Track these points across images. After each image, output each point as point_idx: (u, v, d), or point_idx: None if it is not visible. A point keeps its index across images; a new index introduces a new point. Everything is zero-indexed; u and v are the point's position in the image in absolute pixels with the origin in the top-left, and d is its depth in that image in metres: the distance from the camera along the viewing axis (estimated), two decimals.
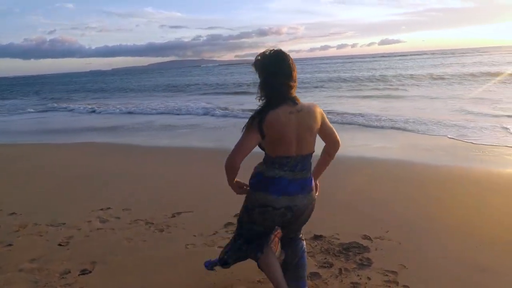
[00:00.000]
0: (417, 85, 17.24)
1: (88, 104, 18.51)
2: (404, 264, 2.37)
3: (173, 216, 3.45)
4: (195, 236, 3.00)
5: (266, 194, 1.78)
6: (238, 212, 3.51)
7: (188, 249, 2.79)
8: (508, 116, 8.15)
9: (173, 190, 4.24)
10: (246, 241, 1.95)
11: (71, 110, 16.57)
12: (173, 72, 70.46)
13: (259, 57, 1.74)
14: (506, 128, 6.71)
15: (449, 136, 6.41)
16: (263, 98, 1.70)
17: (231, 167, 1.74)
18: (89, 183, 4.68)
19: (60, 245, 2.94)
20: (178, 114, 12.51)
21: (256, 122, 1.66)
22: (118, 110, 14.92)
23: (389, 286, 2.17)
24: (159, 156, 6.33)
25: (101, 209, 3.68)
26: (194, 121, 10.70)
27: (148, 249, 2.80)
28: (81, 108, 16.70)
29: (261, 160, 1.85)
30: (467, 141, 6.02)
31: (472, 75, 19.59)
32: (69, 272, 2.50)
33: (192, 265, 2.53)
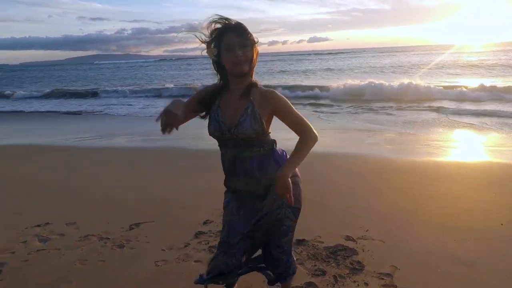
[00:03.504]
0: None
1: None
2: (395, 264, 2.33)
3: (131, 228, 3.00)
4: (163, 250, 2.62)
5: None
6: (208, 219, 3.20)
7: (160, 266, 2.41)
8: None
9: (124, 197, 3.72)
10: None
11: None
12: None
13: None
14: None
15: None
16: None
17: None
18: (11, 194, 3.90)
19: None
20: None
21: None
22: None
23: None
24: (92, 158, 5.61)
25: (38, 225, 3.06)
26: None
27: (110, 272, 2.35)
28: None
29: None
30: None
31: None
32: None
33: (168, 286, 2.18)
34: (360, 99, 11.88)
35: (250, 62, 1.49)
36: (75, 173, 4.69)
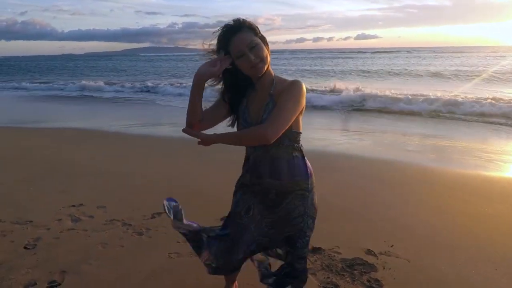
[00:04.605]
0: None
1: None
2: None
3: (153, 217, 3.10)
4: (178, 242, 2.67)
5: None
6: (225, 215, 3.22)
7: (172, 258, 2.47)
8: None
9: (154, 186, 3.86)
10: None
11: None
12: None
13: None
14: None
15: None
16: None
17: None
18: (59, 175, 4.23)
19: (26, 248, 2.55)
20: None
21: None
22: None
23: None
24: (139, 145, 5.87)
25: (73, 206, 3.29)
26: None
27: (126, 258, 2.46)
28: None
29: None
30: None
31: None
32: (35, 284, 2.14)
33: (177, 279, 2.22)
34: None
35: (265, 60, 1.43)
36: (118, 159, 4.96)
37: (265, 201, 1.57)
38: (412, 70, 22.10)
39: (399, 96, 10.51)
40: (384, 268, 2.33)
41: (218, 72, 1.44)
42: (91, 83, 17.43)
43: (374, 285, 2.15)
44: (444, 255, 2.54)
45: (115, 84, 17.75)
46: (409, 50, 69.02)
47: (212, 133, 1.46)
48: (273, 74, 1.51)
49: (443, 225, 3.00)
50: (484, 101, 9.37)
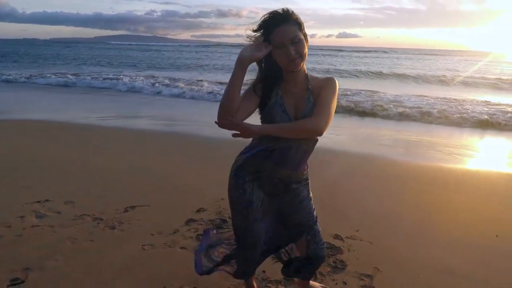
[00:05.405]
0: None
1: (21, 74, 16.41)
2: (378, 266, 2.30)
3: (126, 210, 3.06)
4: (152, 235, 2.67)
5: None
6: (202, 207, 3.24)
7: (145, 250, 2.46)
8: None
9: (127, 180, 3.80)
10: None
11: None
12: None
13: None
14: None
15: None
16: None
17: None
18: (23, 170, 4.05)
19: None
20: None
21: None
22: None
23: None
24: (110, 138, 5.68)
25: (38, 202, 3.17)
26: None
27: (96, 251, 2.42)
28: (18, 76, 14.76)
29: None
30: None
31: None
32: None
33: (150, 270, 2.23)
34: None
35: (304, 57, 1.44)
36: (89, 152, 4.78)
37: (274, 190, 1.62)
38: (381, 72, 22.41)
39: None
40: (349, 251, 2.48)
41: (262, 57, 1.42)
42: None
43: (339, 266, 2.29)
44: (403, 238, 2.73)
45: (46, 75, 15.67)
46: (386, 51, 71.67)
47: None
48: (305, 70, 1.53)
49: (405, 212, 3.21)
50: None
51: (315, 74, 1.58)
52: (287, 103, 1.50)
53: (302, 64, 1.45)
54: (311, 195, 1.71)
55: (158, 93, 11.77)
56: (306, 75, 1.52)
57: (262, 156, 1.55)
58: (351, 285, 2.11)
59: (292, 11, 1.42)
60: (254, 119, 1.52)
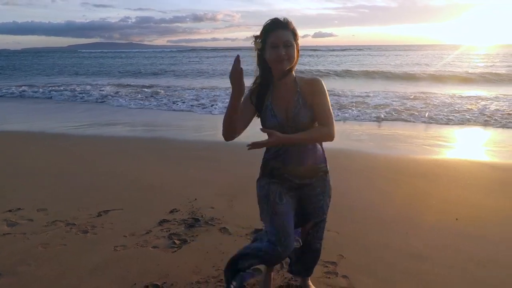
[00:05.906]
0: None
1: None
2: (342, 254, 2.42)
3: (99, 215, 3.09)
4: (125, 236, 2.72)
5: None
6: (175, 208, 3.29)
7: (118, 251, 2.51)
8: None
9: (100, 185, 3.81)
10: None
11: None
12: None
13: None
14: None
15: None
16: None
17: None
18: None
19: None
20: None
21: None
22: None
23: (329, 277, 2.20)
24: (81, 146, 5.66)
25: (9, 211, 3.16)
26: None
27: (69, 255, 2.45)
28: None
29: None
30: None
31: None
32: None
33: (122, 271, 2.27)
34: None
35: (292, 60, 1.61)
36: (65, 160, 4.76)
37: (291, 184, 1.75)
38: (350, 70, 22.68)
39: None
40: None
41: (239, 67, 1.49)
42: None
43: None
44: (367, 225, 2.87)
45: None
46: (361, 48, 73.67)
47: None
48: (294, 75, 1.69)
49: (379, 202, 3.36)
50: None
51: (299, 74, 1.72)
52: (277, 107, 1.67)
53: (288, 66, 1.61)
54: (330, 193, 1.85)
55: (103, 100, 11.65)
56: (295, 78, 1.68)
57: (272, 157, 1.76)
58: (315, 272, 2.20)
59: (291, 22, 1.62)
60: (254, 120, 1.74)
